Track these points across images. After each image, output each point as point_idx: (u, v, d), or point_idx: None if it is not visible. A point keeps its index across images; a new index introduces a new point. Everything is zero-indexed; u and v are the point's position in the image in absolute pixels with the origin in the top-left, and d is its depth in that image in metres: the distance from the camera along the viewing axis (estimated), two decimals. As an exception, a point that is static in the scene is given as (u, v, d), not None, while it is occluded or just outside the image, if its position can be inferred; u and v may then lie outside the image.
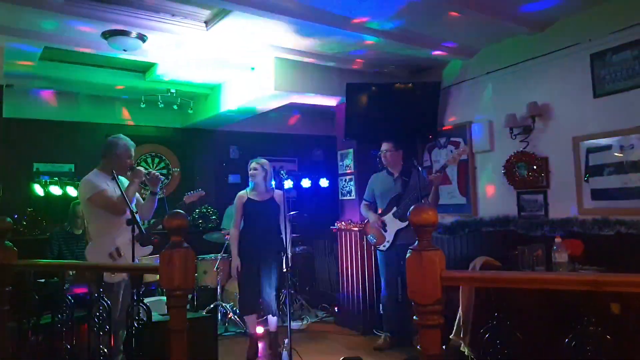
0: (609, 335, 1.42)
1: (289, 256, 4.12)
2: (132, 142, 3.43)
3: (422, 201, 4.21)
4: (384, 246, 4.34)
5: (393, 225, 4.26)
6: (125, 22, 3.72)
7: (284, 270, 4.02)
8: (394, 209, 4.27)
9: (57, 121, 5.85)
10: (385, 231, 4.31)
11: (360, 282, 5.06)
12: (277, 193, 4.25)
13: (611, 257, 3.51)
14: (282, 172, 4.11)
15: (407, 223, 4.16)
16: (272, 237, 4.14)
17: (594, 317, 1.42)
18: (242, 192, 4.30)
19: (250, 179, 4.25)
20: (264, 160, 4.28)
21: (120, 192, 3.13)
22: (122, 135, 3.42)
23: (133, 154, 3.40)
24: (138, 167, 3.42)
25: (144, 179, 3.38)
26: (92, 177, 3.27)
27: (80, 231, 4.81)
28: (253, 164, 4.25)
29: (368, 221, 4.50)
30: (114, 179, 3.18)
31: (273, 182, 4.31)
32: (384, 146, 4.43)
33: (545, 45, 4.13)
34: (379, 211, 4.46)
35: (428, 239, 1.53)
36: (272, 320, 4.22)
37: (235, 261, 4.15)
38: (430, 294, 1.50)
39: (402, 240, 4.19)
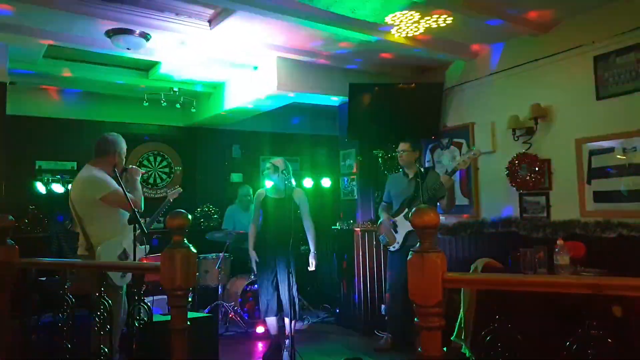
0: (611, 338, 1.42)
1: (314, 254, 4.23)
2: None
3: (438, 204, 4.22)
4: (394, 247, 4.34)
5: (404, 226, 4.24)
6: (129, 21, 3.72)
7: (310, 269, 4.15)
8: (405, 210, 4.25)
9: (60, 119, 5.86)
10: (397, 232, 4.31)
11: (361, 282, 5.06)
12: (297, 191, 4.24)
13: (613, 259, 3.50)
14: (283, 171, 4.12)
15: None
16: (288, 236, 3.99)
17: (595, 320, 1.42)
18: (260, 190, 4.36)
19: (269, 177, 4.24)
20: (279, 159, 4.27)
21: (123, 189, 3.09)
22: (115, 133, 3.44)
23: None
24: (133, 166, 3.44)
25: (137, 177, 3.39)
26: (99, 174, 3.19)
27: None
28: (267, 163, 4.28)
29: (382, 221, 4.50)
30: (116, 177, 3.17)
31: (293, 181, 4.23)
32: (401, 146, 4.40)
33: (549, 47, 4.11)
34: (393, 212, 4.44)
35: (430, 241, 1.53)
36: (287, 321, 4.06)
37: (253, 255, 4.23)
38: (431, 296, 1.50)
39: (411, 242, 4.19)
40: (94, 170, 3.21)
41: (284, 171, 4.12)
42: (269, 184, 4.28)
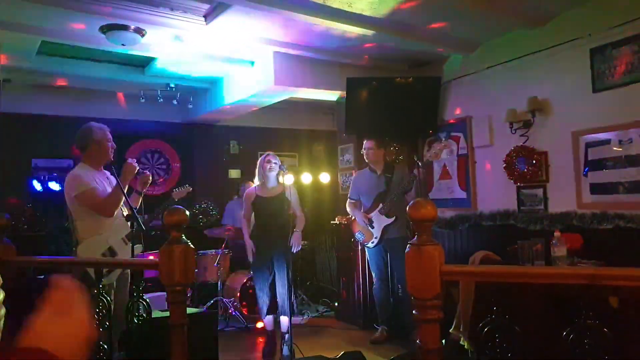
0: (607, 328, 1.43)
1: (299, 235, 4.15)
2: (104, 125, 3.23)
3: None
4: (372, 242, 4.37)
5: (379, 221, 4.30)
6: (123, 17, 3.70)
7: (294, 250, 4.09)
8: (380, 205, 4.29)
9: (55, 116, 5.82)
10: (372, 227, 4.34)
11: (360, 276, 5.06)
12: (287, 187, 4.16)
13: (610, 250, 3.52)
14: (282, 166, 4.11)
15: (393, 219, 4.23)
16: (283, 233, 4.01)
17: (592, 311, 1.43)
18: (249, 190, 4.28)
19: (263, 172, 4.13)
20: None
21: (109, 189, 3.02)
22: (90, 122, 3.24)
23: (110, 136, 3.21)
24: (129, 160, 3.17)
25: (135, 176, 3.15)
26: (79, 171, 3.10)
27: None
28: (271, 158, 4.12)
29: (354, 219, 4.52)
30: (103, 171, 3.08)
31: (282, 177, 4.20)
32: (366, 144, 4.42)
33: (546, 40, 4.11)
34: (364, 209, 4.46)
35: (427, 234, 1.54)
36: (283, 320, 4.08)
37: (249, 244, 4.14)
38: (430, 289, 1.51)
39: (389, 235, 4.24)
40: (77, 168, 3.15)
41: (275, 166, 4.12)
42: (289, 179, 4.16)
